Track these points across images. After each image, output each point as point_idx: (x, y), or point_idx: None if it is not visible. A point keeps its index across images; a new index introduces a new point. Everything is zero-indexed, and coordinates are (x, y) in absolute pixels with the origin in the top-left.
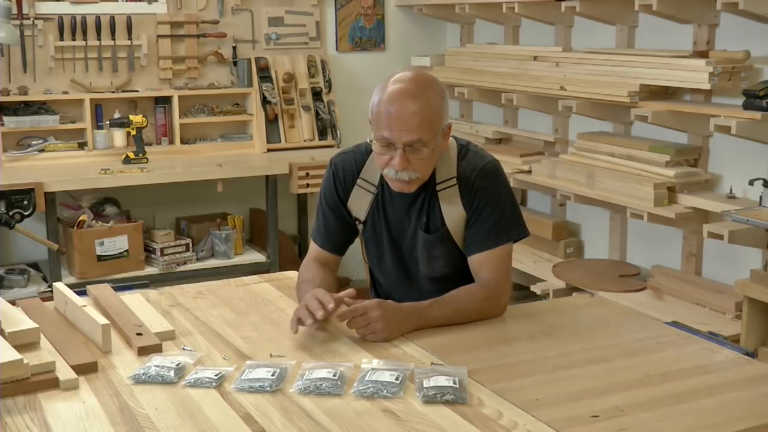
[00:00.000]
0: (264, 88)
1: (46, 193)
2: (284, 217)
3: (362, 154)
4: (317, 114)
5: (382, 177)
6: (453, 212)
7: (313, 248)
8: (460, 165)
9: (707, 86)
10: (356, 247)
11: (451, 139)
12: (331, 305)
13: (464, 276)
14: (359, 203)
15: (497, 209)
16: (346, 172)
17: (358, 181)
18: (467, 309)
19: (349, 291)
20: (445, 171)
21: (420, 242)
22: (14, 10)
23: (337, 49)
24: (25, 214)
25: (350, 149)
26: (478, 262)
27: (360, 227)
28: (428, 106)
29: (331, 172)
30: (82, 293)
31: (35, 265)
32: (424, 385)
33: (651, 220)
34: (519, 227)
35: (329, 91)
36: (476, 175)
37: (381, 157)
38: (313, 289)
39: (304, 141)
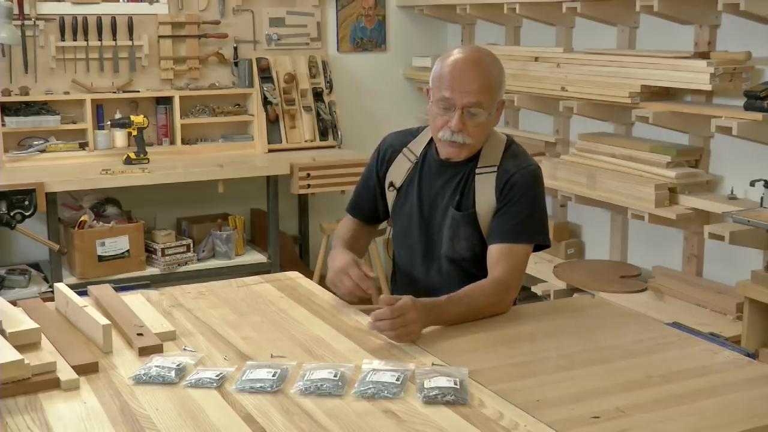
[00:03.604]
0: (265, 88)
1: (47, 194)
2: (285, 218)
3: (413, 133)
4: (318, 114)
5: (426, 150)
6: (485, 198)
7: (346, 217)
8: (504, 156)
9: (708, 87)
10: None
11: (503, 134)
12: (371, 291)
13: (482, 264)
14: (398, 169)
15: (527, 209)
16: (392, 146)
17: (403, 150)
18: (478, 305)
19: (369, 270)
20: (489, 157)
21: (448, 219)
22: (15, 11)
23: (338, 49)
24: (26, 214)
25: (403, 130)
26: (495, 253)
27: (392, 194)
28: (489, 73)
29: (378, 147)
30: (83, 293)
31: (36, 266)
32: (425, 386)
33: (652, 221)
34: (542, 234)
35: (330, 92)
36: (517, 171)
37: (438, 118)
38: (347, 262)
39: (305, 141)
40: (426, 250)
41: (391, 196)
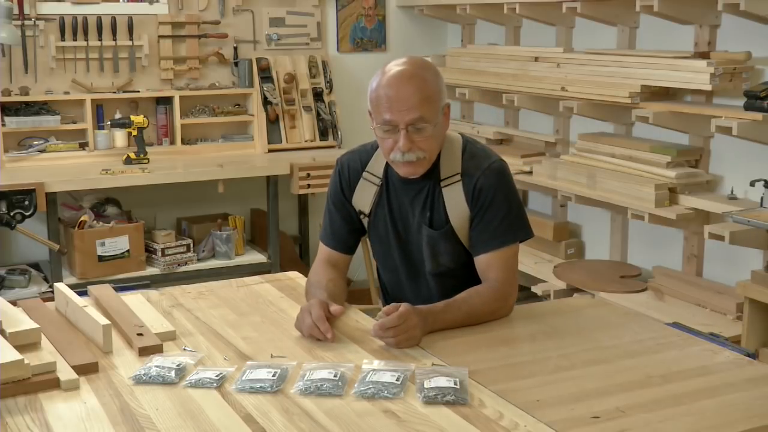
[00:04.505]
0: (265, 88)
1: (47, 194)
2: (285, 218)
3: (368, 151)
4: (318, 114)
5: (386, 170)
6: (457, 209)
7: (321, 250)
8: (464, 160)
9: (708, 87)
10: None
11: (456, 134)
12: (329, 335)
13: (468, 272)
14: (364, 196)
15: (502, 209)
16: (351, 169)
17: (364, 174)
18: (478, 312)
19: (337, 308)
20: (449, 166)
21: (424, 237)
22: (15, 11)
23: (338, 49)
24: (26, 214)
25: (356, 148)
26: (484, 262)
27: (366, 221)
28: (425, 84)
29: (337, 171)
30: (83, 293)
31: (36, 266)
32: (425, 386)
33: (652, 220)
34: (524, 228)
35: (330, 92)
36: (481, 174)
37: (386, 141)
38: (311, 302)
39: (305, 141)
40: (409, 270)
41: (364, 222)
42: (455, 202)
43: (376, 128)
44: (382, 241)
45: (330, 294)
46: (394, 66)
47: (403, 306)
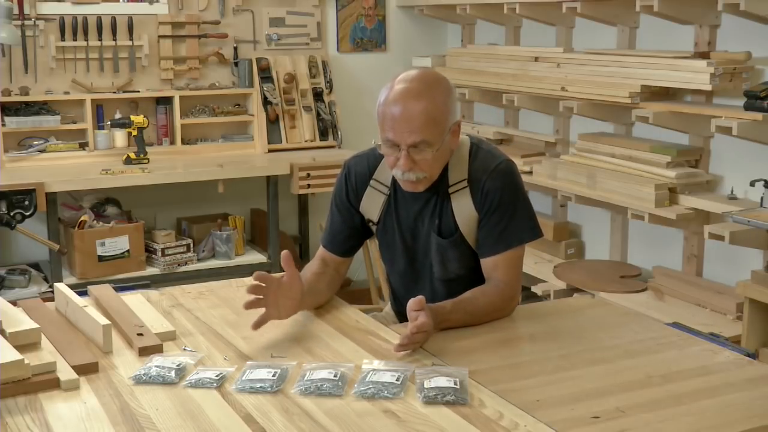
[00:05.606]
0: (265, 88)
1: (47, 194)
2: (285, 218)
3: (377, 156)
4: (318, 114)
5: (394, 178)
6: (465, 214)
7: (320, 249)
8: (471, 165)
9: (708, 87)
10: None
11: (464, 137)
12: (253, 283)
13: (477, 276)
14: (372, 204)
15: (508, 212)
16: (358, 175)
17: (371, 182)
18: (482, 312)
19: (284, 253)
20: (457, 172)
21: (434, 245)
22: (15, 11)
23: (338, 49)
24: (26, 214)
25: (365, 152)
26: (490, 265)
27: (374, 228)
28: (432, 105)
29: (344, 175)
30: (83, 293)
31: (36, 266)
32: (425, 386)
33: (652, 221)
34: (531, 228)
35: (330, 92)
36: (488, 176)
37: (388, 157)
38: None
39: (305, 141)
40: (417, 276)
41: (372, 229)
42: (463, 208)
43: (380, 143)
44: (390, 248)
45: (307, 283)
46: (403, 81)
47: (424, 310)
